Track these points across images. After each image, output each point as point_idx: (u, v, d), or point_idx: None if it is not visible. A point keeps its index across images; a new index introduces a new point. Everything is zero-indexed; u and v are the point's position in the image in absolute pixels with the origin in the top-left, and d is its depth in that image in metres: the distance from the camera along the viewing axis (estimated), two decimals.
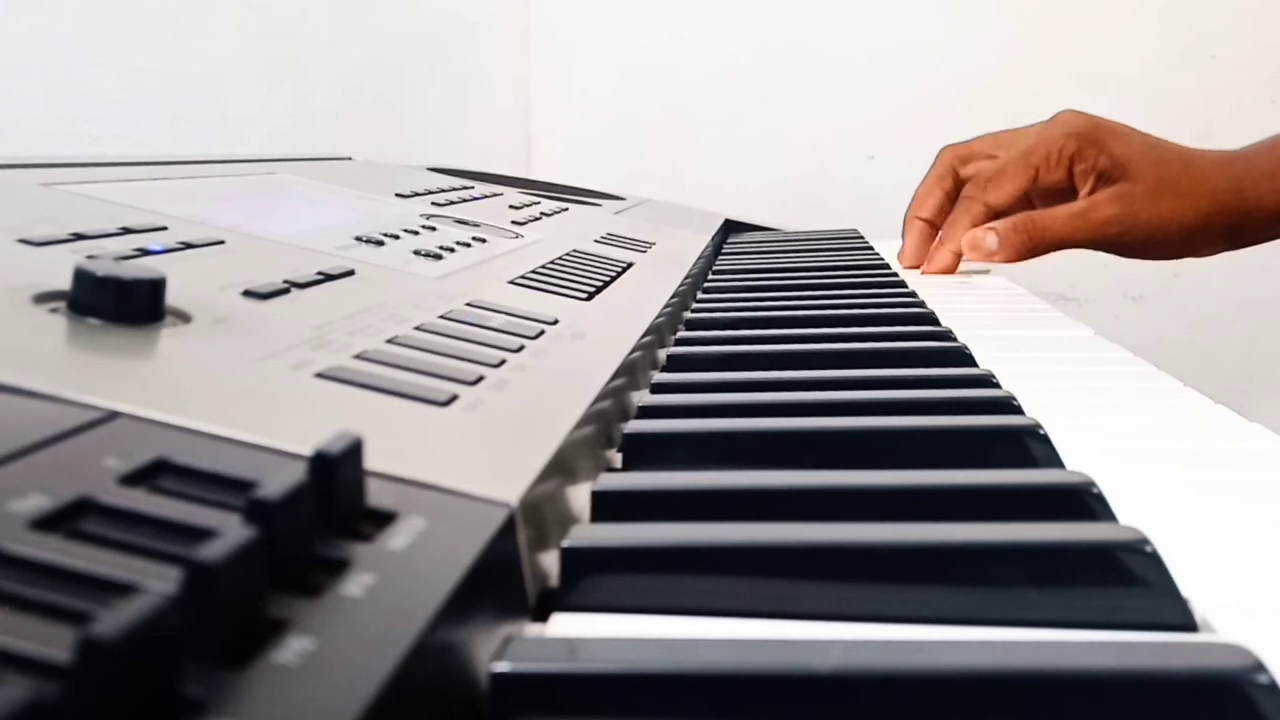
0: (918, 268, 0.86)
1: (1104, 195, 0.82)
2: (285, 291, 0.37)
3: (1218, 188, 0.83)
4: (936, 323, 0.56)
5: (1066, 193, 0.85)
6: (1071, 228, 0.82)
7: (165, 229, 0.43)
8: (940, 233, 0.86)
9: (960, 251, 0.84)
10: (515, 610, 0.23)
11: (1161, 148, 0.84)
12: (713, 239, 0.95)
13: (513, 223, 0.73)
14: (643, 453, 0.35)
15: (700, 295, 0.69)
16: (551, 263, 0.59)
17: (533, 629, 0.24)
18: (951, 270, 0.84)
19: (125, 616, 0.13)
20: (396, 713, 0.16)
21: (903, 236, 0.89)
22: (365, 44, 1.27)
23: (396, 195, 0.74)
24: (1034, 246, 0.82)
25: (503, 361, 0.35)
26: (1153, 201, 0.82)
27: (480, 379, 0.32)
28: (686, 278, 0.68)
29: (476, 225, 0.67)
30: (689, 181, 1.50)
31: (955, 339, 0.51)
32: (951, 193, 0.88)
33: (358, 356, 0.31)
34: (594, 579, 0.25)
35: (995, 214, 0.84)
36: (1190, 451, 0.37)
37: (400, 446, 0.25)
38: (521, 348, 0.37)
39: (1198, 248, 0.87)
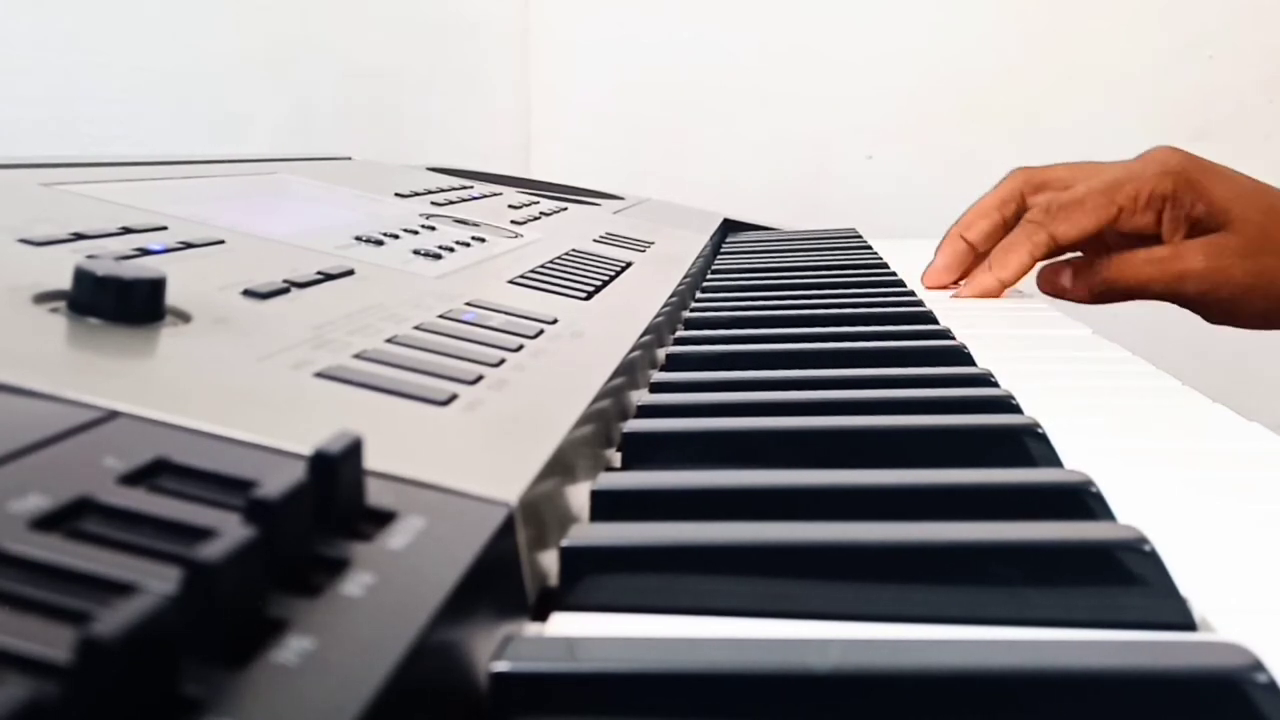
0: (943, 287, 0.75)
1: (1194, 244, 0.70)
2: (285, 291, 0.37)
3: None
4: (935, 322, 0.56)
5: (1150, 242, 0.72)
6: (1147, 275, 0.71)
7: (165, 229, 0.43)
8: (990, 258, 0.73)
9: (1008, 281, 0.72)
10: (515, 610, 0.23)
11: (1271, 196, 0.72)
12: (711, 238, 0.95)
13: (512, 222, 0.73)
14: (642, 452, 0.35)
15: (699, 295, 0.69)
16: (551, 262, 0.59)
17: (532, 628, 0.24)
18: (995, 294, 0.72)
19: (125, 616, 0.13)
20: (396, 712, 0.16)
21: (936, 252, 0.76)
22: (366, 44, 1.27)
23: (396, 195, 0.74)
24: (1104, 291, 0.72)
25: (502, 361, 0.35)
26: (1250, 259, 0.70)
27: (480, 378, 0.32)
28: (685, 277, 0.68)
29: (476, 225, 0.67)
30: (688, 181, 1.50)
31: (954, 338, 0.51)
32: (1011, 221, 0.74)
33: (357, 356, 0.31)
34: (593, 578, 0.25)
35: (1060, 249, 0.72)
36: (1189, 451, 0.37)
37: (400, 446, 0.25)
38: (521, 347, 0.37)
39: None
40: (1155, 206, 0.70)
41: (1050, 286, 0.76)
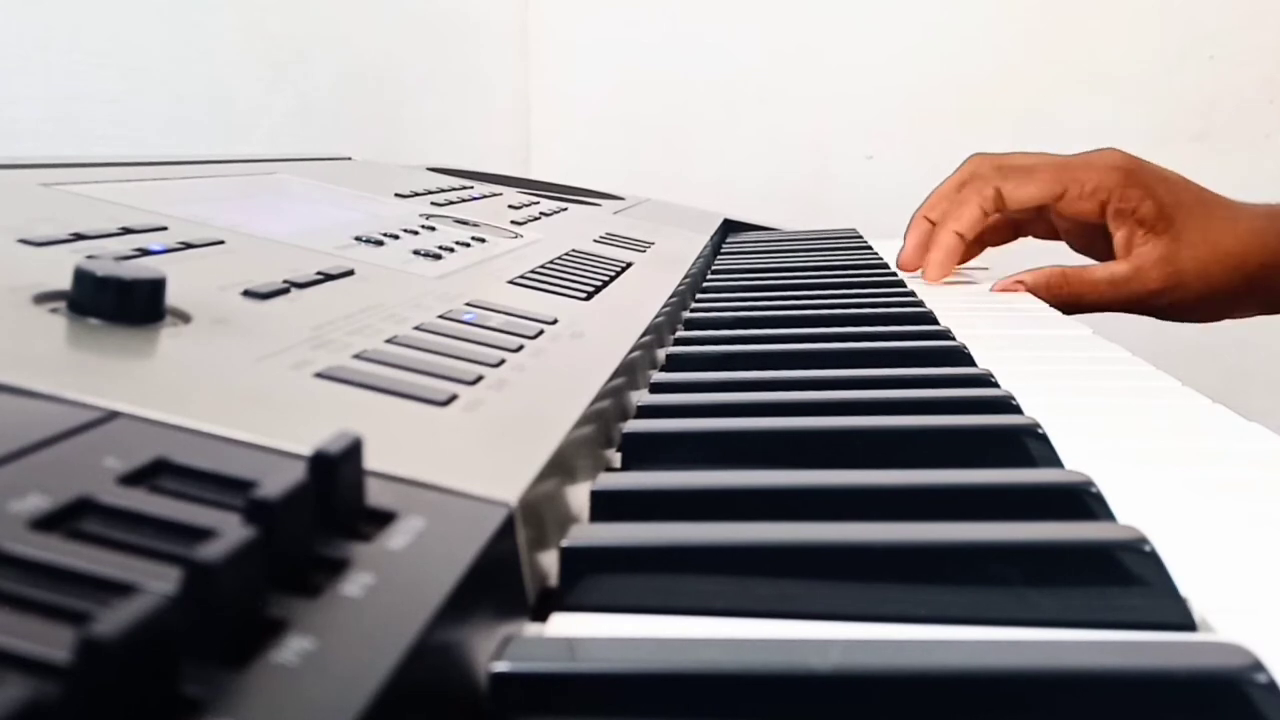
0: (917, 268, 0.79)
1: (1149, 259, 0.75)
2: (285, 291, 0.37)
3: (1267, 244, 0.76)
4: (935, 322, 0.56)
5: (1087, 230, 0.79)
6: (1112, 294, 0.76)
7: (165, 229, 0.43)
8: (944, 216, 0.78)
9: (964, 231, 0.76)
10: (514, 610, 0.23)
11: (1207, 198, 0.78)
12: (712, 239, 0.95)
13: (512, 222, 0.73)
14: (642, 452, 0.35)
15: (699, 295, 0.69)
16: (551, 262, 0.59)
17: (532, 629, 0.24)
18: (956, 251, 0.77)
19: (125, 616, 0.13)
20: (396, 712, 0.16)
21: (904, 238, 0.81)
22: (365, 43, 1.27)
23: (396, 195, 0.74)
24: (1064, 308, 0.73)
25: (502, 361, 0.35)
26: (1200, 264, 0.75)
27: (479, 379, 0.32)
28: (685, 277, 0.68)
29: (476, 225, 0.67)
30: (689, 181, 1.50)
31: (954, 338, 0.51)
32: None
33: (357, 356, 0.31)
34: (593, 579, 0.25)
35: (1005, 208, 0.77)
36: (1189, 451, 0.37)
37: (400, 446, 0.25)
38: (521, 347, 0.37)
39: (1236, 310, 0.81)
40: (1099, 197, 0.76)
41: None
